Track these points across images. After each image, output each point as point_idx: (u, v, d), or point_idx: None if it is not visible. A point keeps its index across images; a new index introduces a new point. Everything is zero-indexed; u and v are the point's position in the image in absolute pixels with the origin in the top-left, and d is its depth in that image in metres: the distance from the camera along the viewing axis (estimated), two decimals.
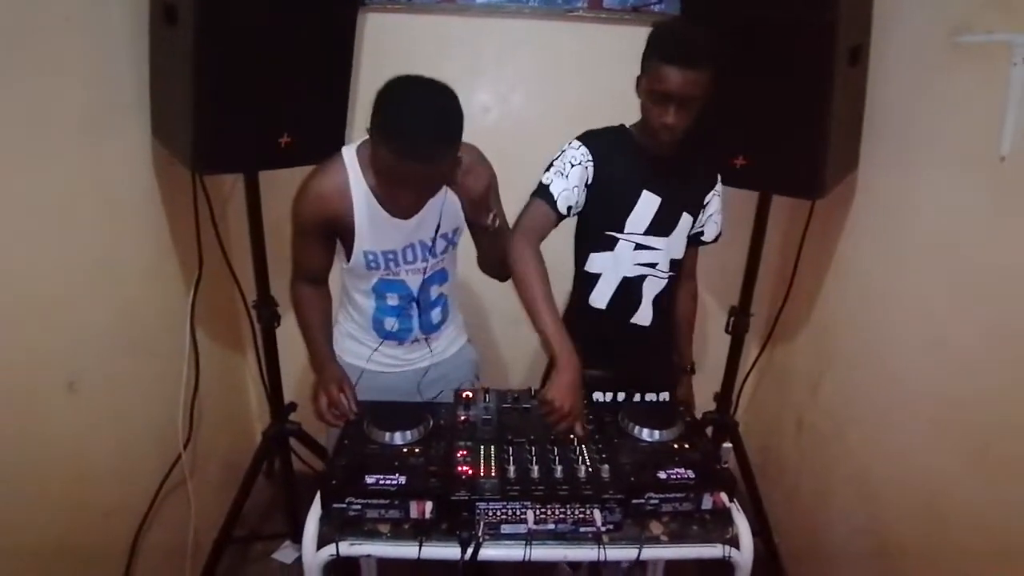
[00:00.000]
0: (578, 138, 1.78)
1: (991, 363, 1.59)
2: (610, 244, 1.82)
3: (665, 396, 1.74)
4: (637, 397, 1.81)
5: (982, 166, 1.61)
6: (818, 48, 1.75)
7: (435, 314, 1.83)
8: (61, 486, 1.68)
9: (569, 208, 1.72)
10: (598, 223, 1.81)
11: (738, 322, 2.32)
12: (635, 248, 1.82)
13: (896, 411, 1.92)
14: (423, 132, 1.38)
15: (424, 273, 1.74)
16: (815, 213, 2.24)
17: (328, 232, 1.67)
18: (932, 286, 1.80)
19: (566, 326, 1.61)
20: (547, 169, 1.75)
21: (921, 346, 1.84)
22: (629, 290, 1.86)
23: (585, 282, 1.88)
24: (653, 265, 1.85)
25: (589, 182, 1.75)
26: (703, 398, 2.40)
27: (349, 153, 1.63)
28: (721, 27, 1.93)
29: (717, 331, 2.44)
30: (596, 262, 1.85)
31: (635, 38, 2.36)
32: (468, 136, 1.74)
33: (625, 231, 1.80)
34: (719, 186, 1.90)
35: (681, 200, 1.83)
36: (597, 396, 1.71)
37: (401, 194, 1.51)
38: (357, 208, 1.61)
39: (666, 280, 1.88)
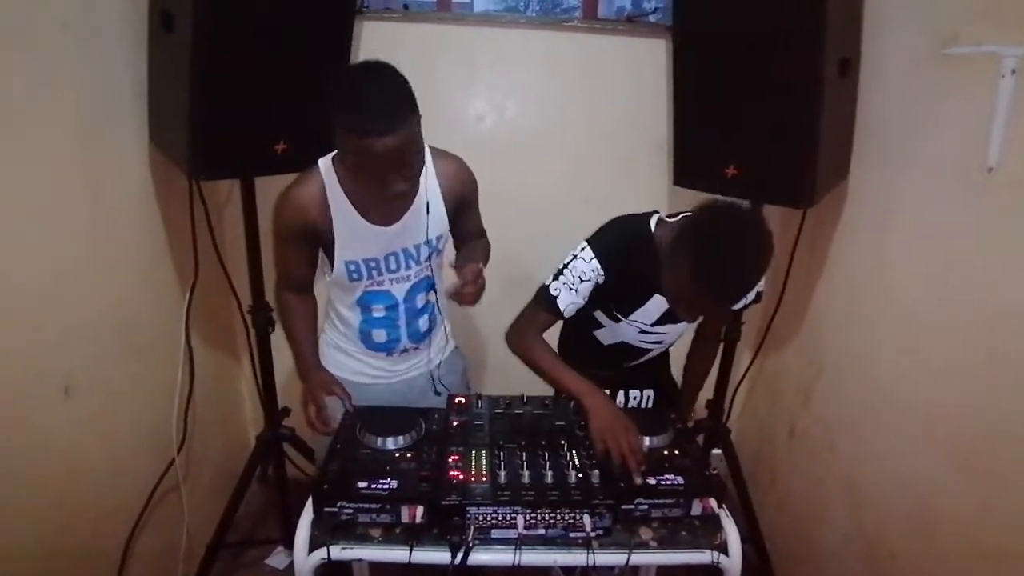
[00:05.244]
0: (592, 247, 1.66)
1: (979, 371, 1.60)
2: (615, 318, 1.79)
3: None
4: (634, 400, 1.84)
5: (970, 176, 1.62)
6: (808, 59, 1.78)
7: (422, 323, 1.82)
8: (54, 489, 1.69)
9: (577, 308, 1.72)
10: (604, 303, 1.76)
11: (730, 330, 2.33)
12: (640, 331, 1.80)
13: (886, 419, 1.93)
14: (380, 99, 1.39)
15: (409, 280, 1.74)
16: (806, 222, 2.26)
17: (309, 241, 1.66)
18: (921, 295, 1.81)
19: (564, 344, 1.75)
20: (556, 276, 1.68)
21: (910, 354, 1.85)
22: (630, 349, 1.87)
23: (588, 320, 1.83)
24: (659, 343, 1.85)
25: (599, 284, 1.68)
26: (696, 405, 2.42)
27: (324, 163, 1.63)
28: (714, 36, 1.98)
29: None
30: (600, 318, 1.82)
31: (630, 48, 2.42)
32: (462, 144, 1.77)
33: (630, 319, 1.77)
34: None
35: None
36: None
37: (381, 186, 1.46)
38: (335, 217, 1.61)
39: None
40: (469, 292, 1.59)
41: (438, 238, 1.74)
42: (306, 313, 1.82)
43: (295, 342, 1.80)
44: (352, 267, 1.66)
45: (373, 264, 1.68)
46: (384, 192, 1.48)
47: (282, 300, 1.81)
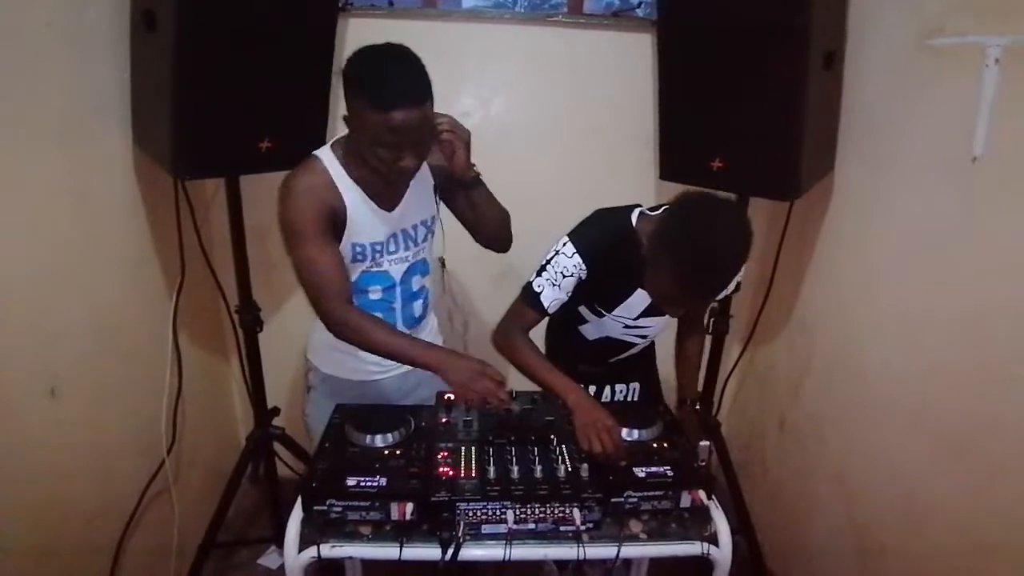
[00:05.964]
0: (573, 242, 1.65)
1: (966, 363, 1.62)
2: (598, 313, 1.80)
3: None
4: (620, 394, 1.84)
5: (955, 167, 1.63)
6: (792, 52, 1.78)
7: (416, 307, 1.84)
8: (44, 491, 1.68)
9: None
10: (588, 299, 1.78)
11: (719, 323, 2.33)
12: (624, 327, 1.81)
13: (875, 411, 1.94)
14: (404, 75, 1.46)
15: (407, 262, 1.76)
16: (793, 214, 2.26)
17: (335, 227, 1.60)
18: (907, 286, 1.83)
19: (551, 340, 1.78)
20: (539, 273, 1.68)
21: (897, 346, 1.86)
22: (615, 343, 1.87)
23: (573, 316, 1.84)
24: (643, 337, 1.86)
25: (582, 279, 1.67)
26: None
27: (325, 153, 1.63)
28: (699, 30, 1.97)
29: None
30: (584, 314, 1.83)
31: (615, 42, 2.42)
32: None
33: (613, 314, 1.78)
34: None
35: None
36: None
37: (393, 161, 1.49)
38: (348, 201, 1.61)
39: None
40: (449, 139, 1.61)
41: (432, 218, 1.79)
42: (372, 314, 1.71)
43: (398, 338, 1.63)
44: (358, 248, 1.67)
45: (378, 247, 1.69)
46: (394, 167, 1.52)
47: (348, 317, 1.59)
